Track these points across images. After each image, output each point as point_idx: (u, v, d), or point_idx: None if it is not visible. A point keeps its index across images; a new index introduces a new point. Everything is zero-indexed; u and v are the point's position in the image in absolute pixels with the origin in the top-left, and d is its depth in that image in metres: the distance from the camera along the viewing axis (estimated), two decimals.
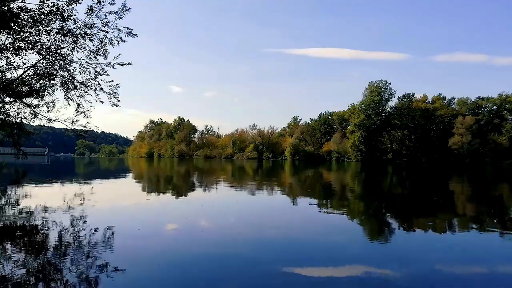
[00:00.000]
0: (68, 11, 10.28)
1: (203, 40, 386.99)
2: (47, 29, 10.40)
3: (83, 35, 10.93)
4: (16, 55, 10.51)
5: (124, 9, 10.85)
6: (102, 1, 10.58)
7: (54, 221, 7.04)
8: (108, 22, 10.91)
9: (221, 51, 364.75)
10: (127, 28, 11.22)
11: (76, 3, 10.31)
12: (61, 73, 11.52)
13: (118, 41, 11.22)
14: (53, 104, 12.00)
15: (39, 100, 11.81)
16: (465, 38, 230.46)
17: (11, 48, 10.25)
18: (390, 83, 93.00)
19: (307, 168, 41.13)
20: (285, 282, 4.05)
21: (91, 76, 11.56)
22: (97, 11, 10.73)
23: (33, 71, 11.18)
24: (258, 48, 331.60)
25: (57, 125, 12.29)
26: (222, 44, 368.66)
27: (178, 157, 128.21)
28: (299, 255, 5.11)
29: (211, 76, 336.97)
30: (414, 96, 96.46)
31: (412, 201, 12.37)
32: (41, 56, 10.90)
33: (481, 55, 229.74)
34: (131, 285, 3.89)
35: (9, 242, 5.47)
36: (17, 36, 10.08)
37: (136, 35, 11.36)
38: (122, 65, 11.46)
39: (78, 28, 10.79)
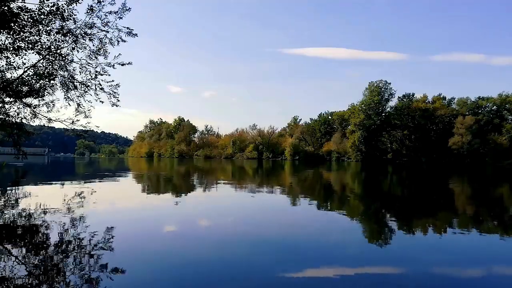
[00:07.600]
0: (68, 11, 10.31)
1: (202, 40, 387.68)
2: (47, 29, 10.41)
3: (83, 35, 10.94)
4: (16, 55, 10.52)
5: (124, 9, 10.88)
6: (102, 1, 10.61)
7: (54, 221, 7.03)
8: (108, 22, 10.94)
9: (220, 51, 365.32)
10: (127, 28, 11.26)
11: (76, 3, 10.33)
12: (61, 73, 11.54)
13: (118, 41, 11.26)
14: (53, 104, 12.02)
15: (39, 100, 11.83)
16: (463, 37, 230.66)
17: (11, 48, 10.25)
18: (390, 83, 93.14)
19: (307, 168, 41.10)
20: (284, 283, 4.04)
21: (91, 76, 11.59)
22: (97, 11, 10.76)
23: (33, 71, 11.19)
24: (257, 48, 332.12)
25: (57, 125, 12.29)
26: (221, 44, 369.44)
27: (178, 157, 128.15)
28: (298, 256, 5.10)
29: (210, 76, 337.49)
30: (414, 96, 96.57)
31: (412, 201, 12.37)
32: (41, 56, 10.91)
33: (479, 55, 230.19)
34: (131, 286, 3.88)
35: (8, 242, 5.46)
36: (17, 36, 10.08)
37: (136, 35, 11.39)
38: (123, 65, 11.48)
39: (78, 28, 10.82)
